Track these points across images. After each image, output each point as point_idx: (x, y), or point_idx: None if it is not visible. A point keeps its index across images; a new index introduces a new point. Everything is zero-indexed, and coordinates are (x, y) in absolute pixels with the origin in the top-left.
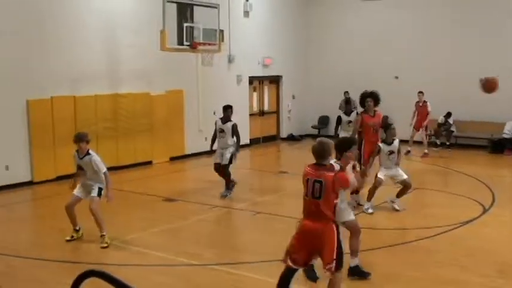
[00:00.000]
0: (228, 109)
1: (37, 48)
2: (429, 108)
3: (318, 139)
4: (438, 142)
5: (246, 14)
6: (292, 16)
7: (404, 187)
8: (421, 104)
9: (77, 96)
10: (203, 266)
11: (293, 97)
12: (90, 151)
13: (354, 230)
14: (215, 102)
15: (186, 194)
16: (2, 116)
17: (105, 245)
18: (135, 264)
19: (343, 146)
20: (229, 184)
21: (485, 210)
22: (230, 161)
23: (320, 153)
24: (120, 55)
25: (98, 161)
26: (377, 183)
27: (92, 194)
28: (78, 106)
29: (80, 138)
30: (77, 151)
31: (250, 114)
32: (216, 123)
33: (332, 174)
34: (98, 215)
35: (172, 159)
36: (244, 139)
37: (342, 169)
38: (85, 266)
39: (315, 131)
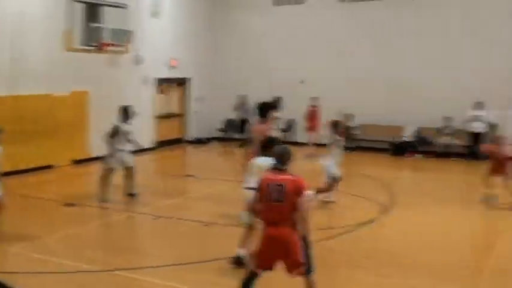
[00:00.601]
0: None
1: None
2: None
3: (281, 145)
4: None
5: (155, 14)
6: (201, 18)
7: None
8: (314, 109)
9: None
10: (104, 272)
11: (200, 99)
12: None
13: None
14: (121, 103)
15: (87, 198)
16: None
17: None
18: (34, 272)
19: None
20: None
21: (385, 211)
22: None
23: (282, 158)
24: (23, 55)
25: None
26: None
27: None
28: None
29: None
30: None
31: (156, 117)
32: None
33: (291, 178)
34: None
35: (76, 162)
36: (150, 142)
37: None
38: None
39: (221, 134)
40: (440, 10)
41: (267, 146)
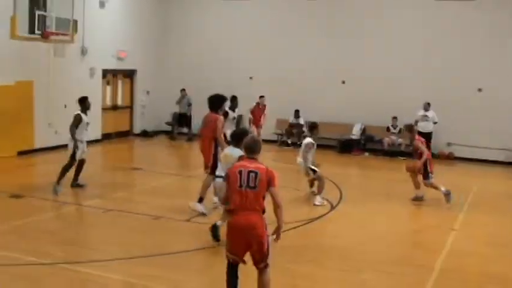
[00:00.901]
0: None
1: None
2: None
3: (250, 135)
4: (289, 141)
5: (102, 4)
6: (149, 10)
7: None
8: (260, 106)
9: None
10: (52, 265)
11: (147, 92)
12: None
13: None
14: (67, 94)
15: (34, 190)
16: None
17: None
18: None
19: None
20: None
21: (332, 207)
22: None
23: (253, 148)
24: None
25: None
26: None
27: None
28: None
29: None
30: None
31: (103, 109)
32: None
33: (264, 167)
34: None
35: (20, 153)
36: (96, 134)
37: None
38: None
39: (169, 128)
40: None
41: (238, 137)
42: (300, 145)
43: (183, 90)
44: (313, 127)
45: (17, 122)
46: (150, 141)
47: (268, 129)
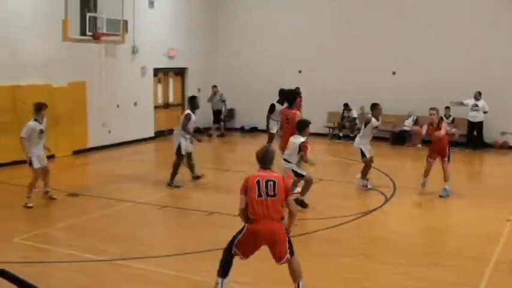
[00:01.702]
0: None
1: None
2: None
3: (263, 146)
4: (341, 134)
5: (151, 4)
6: (198, 7)
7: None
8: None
9: None
10: (109, 262)
11: (198, 90)
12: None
13: None
14: (119, 94)
15: (90, 188)
16: None
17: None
18: (38, 261)
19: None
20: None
21: (386, 200)
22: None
23: (267, 160)
24: (20, 45)
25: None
26: None
27: None
28: None
29: None
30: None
31: (155, 107)
32: None
33: (281, 175)
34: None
35: (75, 152)
36: (149, 132)
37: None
38: None
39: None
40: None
41: (302, 126)
42: (353, 138)
43: (214, 86)
44: (373, 107)
45: (71, 122)
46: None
47: (319, 122)
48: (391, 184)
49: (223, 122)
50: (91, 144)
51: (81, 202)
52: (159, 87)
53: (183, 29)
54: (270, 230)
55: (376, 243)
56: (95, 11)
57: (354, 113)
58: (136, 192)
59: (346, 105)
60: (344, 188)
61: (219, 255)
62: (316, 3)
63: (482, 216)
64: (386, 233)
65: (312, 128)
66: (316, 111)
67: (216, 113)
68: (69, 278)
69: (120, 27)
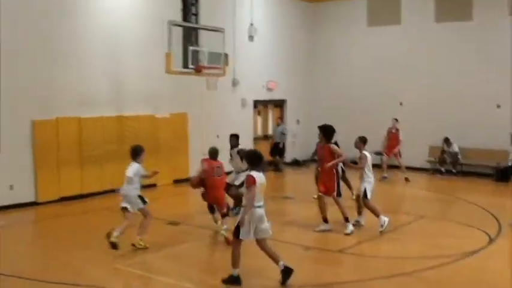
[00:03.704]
0: (231, 137)
1: (43, 68)
2: (401, 137)
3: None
4: (443, 170)
5: (251, 38)
6: (297, 40)
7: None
8: (393, 131)
9: (82, 118)
10: None
11: (297, 122)
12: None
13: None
14: (219, 125)
15: (190, 217)
16: (7, 135)
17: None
18: None
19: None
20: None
21: (491, 241)
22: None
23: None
24: (126, 77)
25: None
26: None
27: None
28: (83, 127)
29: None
30: None
31: (255, 138)
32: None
33: None
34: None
35: (176, 181)
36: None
37: None
38: None
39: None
40: None
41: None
42: (455, 173)
43: (278, 118)
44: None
45: (173, 151)
46: (301, 170)
47: (420, 156)
48: (497, 224)
49: (279, 155)
50: (192, 173)
51: (181, 231)
52: (259, 118)
53: (281, 61)
54: None
55: (481, 287)
56: (197, 45)
57: (455, 148)
58: (233, 223)
59: (446, 140)
60: (438, 225)
61: None
62: (419, 32)
63: None
64: (489, 276)
65: (411, 163)
66: (416, 144)
67: (275, 146)
68: None
69: (221, 60)
